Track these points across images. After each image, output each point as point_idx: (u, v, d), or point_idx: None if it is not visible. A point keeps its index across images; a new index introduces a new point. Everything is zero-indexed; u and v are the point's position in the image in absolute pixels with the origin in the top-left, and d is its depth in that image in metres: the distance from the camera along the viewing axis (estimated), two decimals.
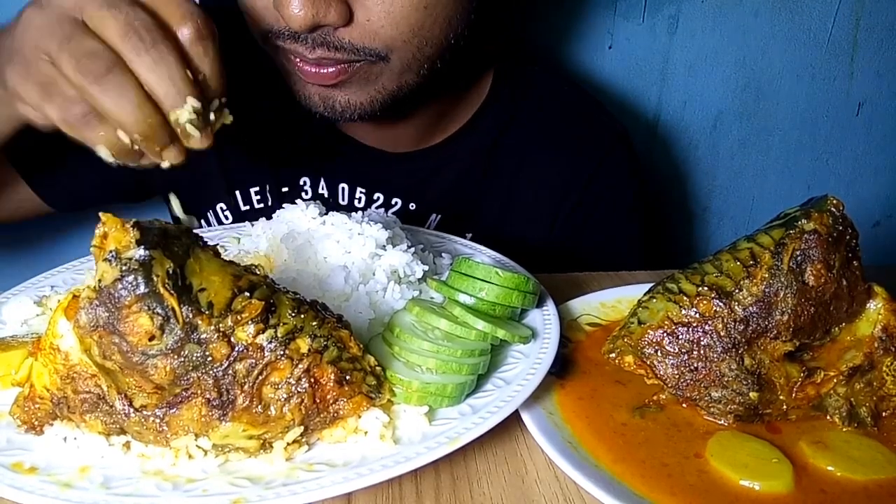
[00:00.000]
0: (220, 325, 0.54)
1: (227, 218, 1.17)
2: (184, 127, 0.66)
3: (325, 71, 0.89)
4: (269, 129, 1.13)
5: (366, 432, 0.59)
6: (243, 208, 1.17)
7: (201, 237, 0.59)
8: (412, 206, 1.16)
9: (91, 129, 0.66)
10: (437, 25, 0.90)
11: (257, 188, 1.16)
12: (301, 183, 1.16)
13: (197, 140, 0.68)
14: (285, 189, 1.15)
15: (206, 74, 0.68)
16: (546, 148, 1.19)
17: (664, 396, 0.70)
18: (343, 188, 1.16)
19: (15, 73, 0.68)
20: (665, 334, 0.69)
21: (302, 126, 1.04)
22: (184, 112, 0.65)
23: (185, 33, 0.66)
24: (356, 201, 1.16)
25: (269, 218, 0.86)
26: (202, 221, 1.20)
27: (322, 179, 1.16)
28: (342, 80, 0.90)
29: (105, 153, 0.67)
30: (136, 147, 0.67)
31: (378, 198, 1.15)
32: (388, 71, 0.91)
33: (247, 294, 0.56)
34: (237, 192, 1.16)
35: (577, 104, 1.25)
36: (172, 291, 0.52)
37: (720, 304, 0.67)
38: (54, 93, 0.66)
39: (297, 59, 0.90)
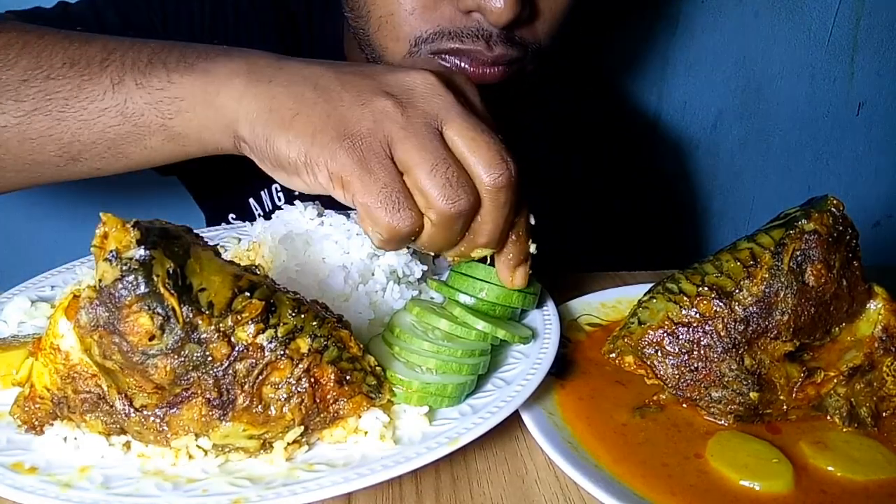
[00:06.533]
0: (221, 324, 0.54)
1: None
2: None
3: (492, 70, 0.88)
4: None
5: (366, 432, 0.59)
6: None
7: (201, 237, 0.59)
8: None
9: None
10: (566, 25, 0.92)
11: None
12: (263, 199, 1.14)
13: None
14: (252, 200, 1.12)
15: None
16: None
17: (664, 396, 0.70)
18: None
19: (340, 149, 0.61)
20: (665, 334, 0.69)
21: None
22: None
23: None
24: None
25: None
26: None
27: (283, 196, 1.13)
28: (501, 80, 0.90)
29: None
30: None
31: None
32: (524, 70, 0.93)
33: (247, 294, 0.56)
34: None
35: None
36: (173, 291, 0.52)
37: (720, 304, 0.67)
38: (396, 201, 0.61)
39: (461, 62, 0.88)
